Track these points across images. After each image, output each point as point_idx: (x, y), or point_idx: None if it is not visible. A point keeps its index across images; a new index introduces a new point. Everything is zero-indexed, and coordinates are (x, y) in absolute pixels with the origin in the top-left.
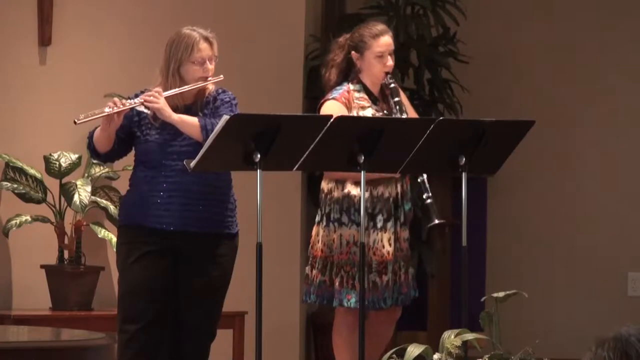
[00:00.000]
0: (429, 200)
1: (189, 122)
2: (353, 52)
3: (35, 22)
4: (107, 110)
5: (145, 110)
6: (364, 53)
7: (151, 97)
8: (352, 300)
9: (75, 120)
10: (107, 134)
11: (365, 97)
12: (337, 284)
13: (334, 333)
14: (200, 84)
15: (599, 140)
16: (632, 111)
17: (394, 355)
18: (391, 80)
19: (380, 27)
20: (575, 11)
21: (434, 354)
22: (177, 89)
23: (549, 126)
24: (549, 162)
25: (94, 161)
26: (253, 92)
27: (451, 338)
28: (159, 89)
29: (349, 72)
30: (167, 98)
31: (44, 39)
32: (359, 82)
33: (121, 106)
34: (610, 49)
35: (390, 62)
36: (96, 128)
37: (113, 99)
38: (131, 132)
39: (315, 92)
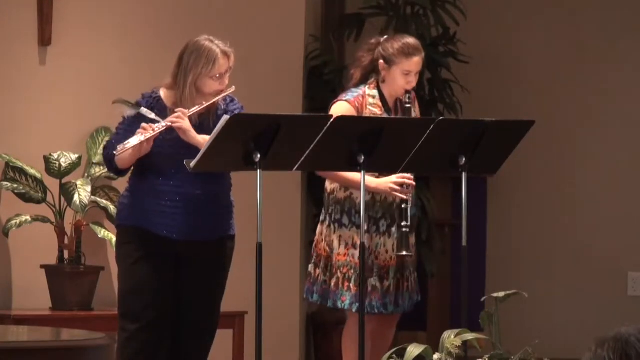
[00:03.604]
0: (405, 230)
1: None
2: (382, 61)
3: (35, 22)
4: (141, 138)
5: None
6: (392, 66)
7: (177, 120)
8: (346, 302)
9: (114, 153)
10: (136, 157)
11: (380, 104)
12: (332, 284)
13: (344, 333)
14: (217, 98)
15: (599, 140)
16: (632, 111)
17: (394, 355)
18: (408, 100)
19: (414, 45)
20: (575, 11)
21: (434, 354)
22: (198, 107)
23: (549, 126)
24: (549, 162)
25: (94, 161)
26: (253, 92)
27: (451, 338)
28: (183, 109)
29: (371, 74)
30: None
31: (44, 39)
32: (377, 88)
33: (151, 131)
34: (610, 49)
35: (413, 82)
36: (111, 146)
37: (143, 125)
38: None
39: (316, 92)
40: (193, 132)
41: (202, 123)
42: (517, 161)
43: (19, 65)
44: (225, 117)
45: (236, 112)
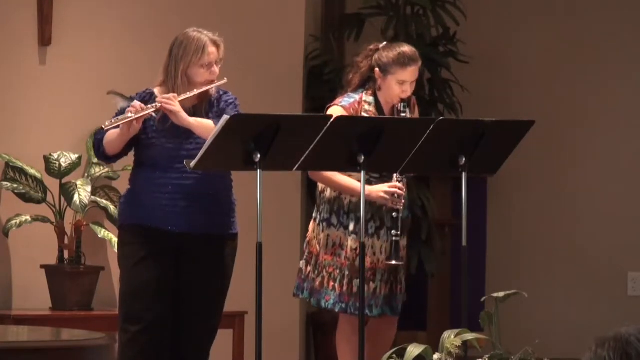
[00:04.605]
0: (395, 238)
1: (205, 125)
2: (377, 69)
3: (35, 22)
4: (130, 115)
5: (154, 115)
6: (387, 76)
7: (168, 101)
8: (330, 301)
9: (103, 127)
10: (125, 139)
11: (375, 111)
12: (317, 283)
13: (337, 336)
14: (208, 87)
15: (599, 140)
16: (632, 111)
17: (394, 355)
18: (403, 109)
19: (410, 55)
20: (575, 11)
21: (434, 354)
22: (189, 93)
23: (549, 126)
24: (549, 162)
25: (94, 161)
26: (253, 92)
27: (451, 338)
28: (174, 94)
29: (369, 80)
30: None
31: (44, 39)
32: (374, 95)
33: (141, 111)
34: (610, 49)
35: (409, 91)
36: (101, 131)
37: (133, 103)
38: (136, 135)
39: (316, 92)
40: (184, 114)
41: (194, 113)
42: (517, 161)
43: (19, 65)
44: (225, 117)
45: (229, 101)
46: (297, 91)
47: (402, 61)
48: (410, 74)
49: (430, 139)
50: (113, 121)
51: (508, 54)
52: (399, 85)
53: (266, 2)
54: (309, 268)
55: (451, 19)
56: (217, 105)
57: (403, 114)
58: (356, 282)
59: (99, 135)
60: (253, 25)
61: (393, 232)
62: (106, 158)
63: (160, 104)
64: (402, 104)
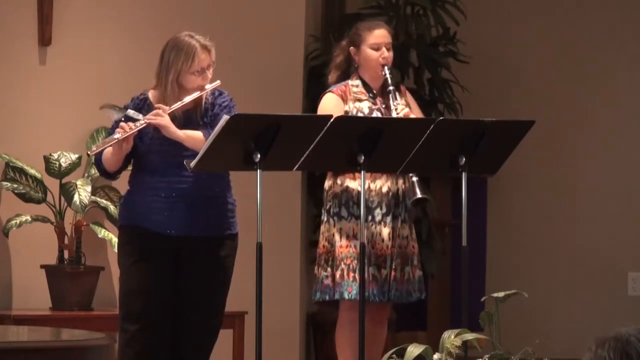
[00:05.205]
0: (414, 178)
1: (195, 137)
2: (351, 47)
3: (35, 22)
4: (117, 137)
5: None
6: (360, 46)
7: (156, 117)
8: (352, 292)
9: (89, 153)
10: (119, 157)
11: (364, 91)
12: (337, 276)
13: (337, 329)
14: (199, 93)
15: (599, 140)
16: (632, 111)
17: (394, 355)
18: (387, 72)
19: (375, 21)
20: (575, 11)
21: (434, 354)
22: (179, 103)
23: (549, 126)
24: (549, 162)
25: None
26: (253, 92)
27: (451, 338)
28: (163, 106)
29: (349, 72)
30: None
31: (44, 39)
32: (359, 78)
33: (129, 130)
34: (610, 49)
35: (386, 53)
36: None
37: (121, 124)
38: (134, 145)
39: (315, 92)
40: (173, 128)
41: (189, 117)
42: (517, 161)
43: (19, 65)
44: (225, 117)
45: (224, 104)
46: (296, 91)
47: (368, 26)
48: (380, 36)
49: (430, 139)
50: (101, 144)
51: (508, 54)
52: (375, 51)
53: (266, 2)
54: (318, 269)
55: (451, 19)
56: (211, 110)
57: (387, 75)
58: (370, 269)
59: (98, 155)
60: (253, 25)
61: (410, 174)
62: (107, 175)
63: (149, 121)
64: (385, 68)
